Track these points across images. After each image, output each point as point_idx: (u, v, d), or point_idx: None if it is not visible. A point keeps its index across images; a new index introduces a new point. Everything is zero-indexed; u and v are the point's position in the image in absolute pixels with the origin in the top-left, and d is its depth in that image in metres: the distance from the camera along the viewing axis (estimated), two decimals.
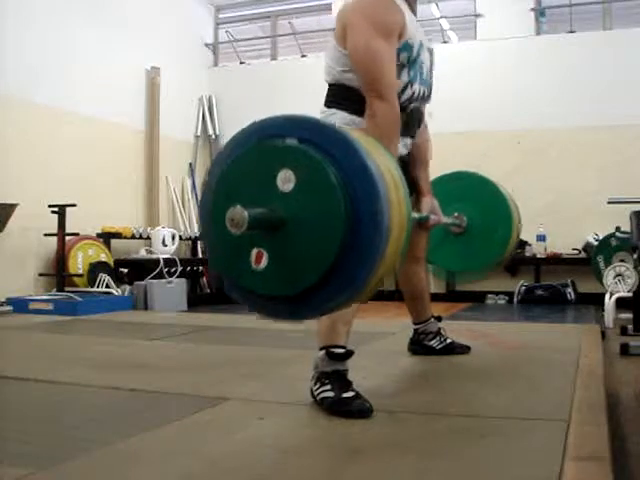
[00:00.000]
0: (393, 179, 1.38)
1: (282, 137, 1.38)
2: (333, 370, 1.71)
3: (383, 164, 1.38)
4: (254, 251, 1.38)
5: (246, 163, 1.43)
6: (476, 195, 2.62)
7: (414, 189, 2.28)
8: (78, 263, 4.95)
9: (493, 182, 2.68)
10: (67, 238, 4.77)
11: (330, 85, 2.10)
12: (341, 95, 2.06)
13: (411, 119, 2.11)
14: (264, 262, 1.37)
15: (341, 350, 1.75)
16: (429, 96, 2.18)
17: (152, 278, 4.99)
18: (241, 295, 1.46)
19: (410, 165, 2.23)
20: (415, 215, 2.11)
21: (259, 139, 1.42)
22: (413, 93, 2.05)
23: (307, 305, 1.37)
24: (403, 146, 2.11)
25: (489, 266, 2.65)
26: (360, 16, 1.94)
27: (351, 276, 1.33)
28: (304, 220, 1.34)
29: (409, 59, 2.02)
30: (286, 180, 1.35)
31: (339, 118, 2.02)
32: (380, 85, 1.93)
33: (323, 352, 1.75)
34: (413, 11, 2.14)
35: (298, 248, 1.35)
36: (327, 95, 2.13)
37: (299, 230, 1.35)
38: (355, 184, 1.31)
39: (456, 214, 2.57)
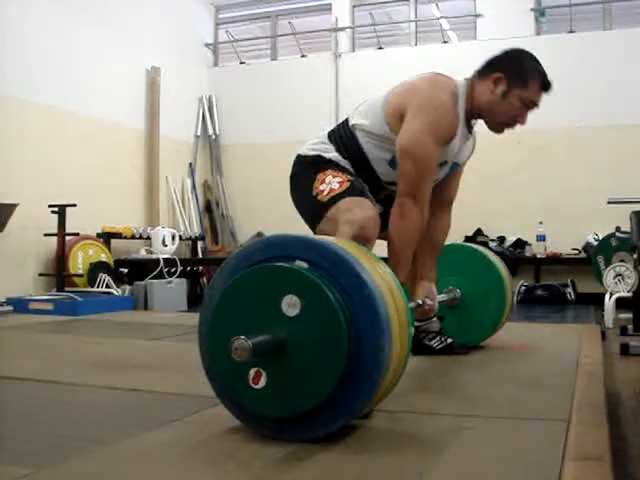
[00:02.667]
0: (394, 299, 1.40)
1: (291, 258, 1.39)
2: None
3: (382, 280, 1.40)
4: (252, 370, 1.40)
5: (251, 283, 1.44)
6: (470, 268, 2.67)
7: (413, 271, 2.32)
8: (78, 263, 4.95)
9: (487, 254, 2.74)
10: (67, 238, 4.76)
11: (346, 125, 2.14)
12: (347, 143, 2.12)
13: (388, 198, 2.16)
14: (262, 382, 1.40)
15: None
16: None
17: (152, 278, 4.99)
18: (237, 410, 1.48)
19: (418, 246, 2.24)
20: (410, 305, 2.15)
21: (266, 257, 1.43)
22: None
23: (302, 428, 1.40)
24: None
25: (478, 342, 2.69)
26: (424, 113, 1.96)
27: (347, 406, 1.36)
28: (305, 345, 1.37)
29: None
30: (291, 305, 1.37)
31: (331, 155, 2.10)
32: (420, 190, 1.99)
33: None
34: (469, 125, 2.17)
35: (297, 372, 1.38)
36: (338, 129, 2.17)
37: (299, 354, 1.37)
38: (361, 318, 1.34)
39: (450, 287, 2.64)
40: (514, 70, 2.09)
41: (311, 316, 1.36)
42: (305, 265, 1.38)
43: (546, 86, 2.12)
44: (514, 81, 2.08)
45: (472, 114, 2.15)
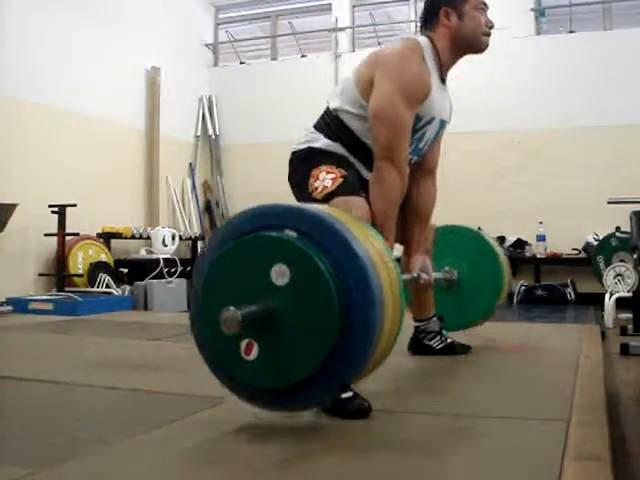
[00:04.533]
0: (389, 276, 1.39)
1: (281, 227, 1.38)
2: None
3: (377, 253, 1.39)
4: (244, 341, 1.39)
5: (240, 253, 1.42)
6: (467, 249, 2.67)
7: (406, 245, 2.32)
8: (78, 263, 4.95)
9: (484, 236, 2.74)
10: (67, 238, 4.76)
11: (328, 112, 2.13)
12: (333, 127, 2.11)
13: None
14: (254, 353, 1.39)
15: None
16: (416, 163, 2.23)
17: (152, 278, 4.99)
18: (230, 383, 1.48)
19: (407, 219, 2.25)
20: (406, 276, 2.14)
21: (255, 229, 1.42)
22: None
23: (294, 398, 1.40)
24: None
25: (474, 325, 2.70)
26: (391, 77, 1.96)
27: (339, 376, 1.36)
28: (296, 315, 1.35)
29: (413, 128, 2.05)
30: (280, 274, 1.35)
31: (322, 142, 2.09)
32: (396, 153, 1.97)
33: None
34: (443, 79, 2.15)
35: (288, 343, 1.37)
36: (321, 118, 2.16)
37: (290, 325, 1.36)
38: (352, 289, 1.32)
39: (447, 268, 2.63)
40: None
41: (301, 285, 1.34)
42: (294, 234, 1.36)
43: None
44: (455, 2, 2.12)
45: (446, 64, 2.16)
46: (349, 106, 2.07)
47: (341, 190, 1.98)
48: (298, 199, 2.20)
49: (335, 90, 2.18)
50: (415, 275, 2.27)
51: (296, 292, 1.34)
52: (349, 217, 1.48)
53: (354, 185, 2.03)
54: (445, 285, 2.64)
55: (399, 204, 2.06)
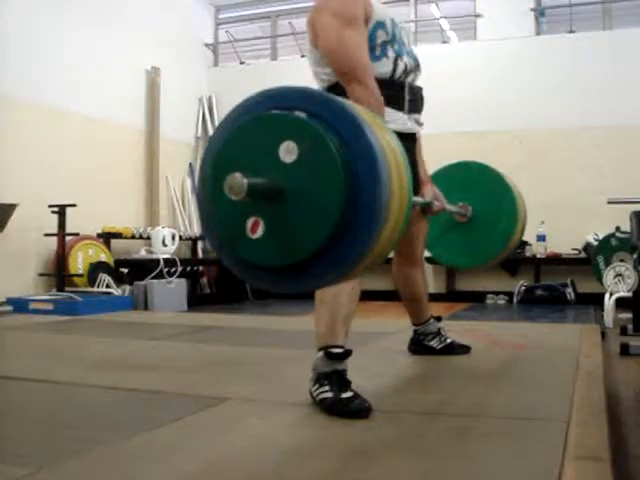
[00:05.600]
0: (397, 163, 1.37)
1: (291, 109, 1.37)
2: (332, 370, 1.71)
3: (388, 146, 1.37)
4: (250, 220, 1.37)
5: (250, 131, 1.42)
6: (482, 185, 2.59)
7: (415, 175, 2.28)
8: (78, 263, 4.95)
9: (500, 173, 2.64)
10: (67, 238, 4.76)
11: (327, 90, 2.11)
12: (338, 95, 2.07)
13: (414, 95, 2.14)
14: (260, 231, 1.37)
15: (340, 350, 1.75)
16: (418, 67, 2.19)
17: (152, 278, 4.99)
18: (235, 265, 1.45)
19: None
20: (419, 199, 2.11)
21: (267, 108, 1.41)
22: (405, 66, 2.09)
23: (298, 278, 1.37)
24: (414, 122, 2.14)
25: (492, 259, 2.63)
26: (324, 12, 1.96)
27: (344, 255, 1.33)
28: (302, 193, 1.34)
29: (387, 34, 2.05)
30: (289, 151, 1.34)
31: None
32: (356, 71, 1.94)
33: (322, 353, 1.75)
34: None
35: (294, 220, 1.35)
36: None
37: (296, 202, 1.34)
38: (358, 165, 1.31)
39: (461, 204, 2.55)
40: None
41: (308, 162, 1.33)
42: (304, 115, 1.35)
43: None
44: None
45: None
46: (318, 67, 2.05)
47: None
48: None
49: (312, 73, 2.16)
50: (428, 200, 2.22)
51: (303, 169, 1.33)
52: (364, 109, 1.47)
53: None
54: (459, 220, 2.57)
55: (381, 116, 1.99)
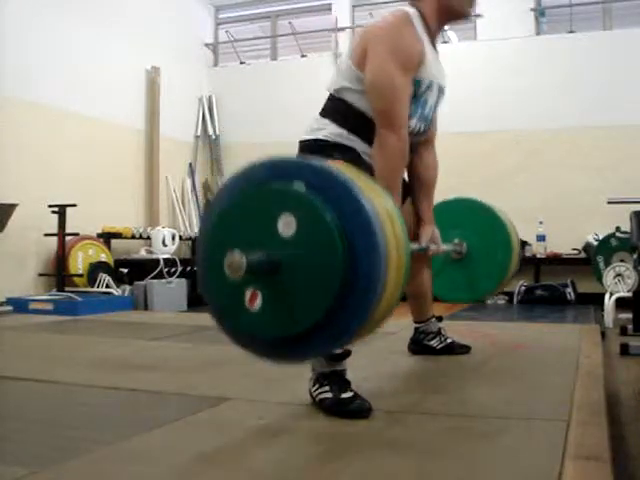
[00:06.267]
0: (395, 231, 1.39)
1: (290, 179, 1.38)
2: (331, 371, 1.71)
3: (385, 212, 1.39)
4: (249, 291, 1.39)
5: (249, 203, 1.43)
6: (476, 221, 2.65)
7: (415, 216, 2.31)
8: (78, 263, 4.95)
9: (492, 208, 2.71)
10: (67, 238, 4.76)
11: (331, 97, 2.12)
12: (339, 110, 2.09)
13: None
14: (258, 303, 1.38)
15: (339, 350, 1.75)
16: (425, 132, 2.21)
17: (152, 278, 4.99)
18: (235, 334, 1.48)
19: (414, 191, 2.25)
20: (414, 246, 2.13)
21: (266, 177, 1.42)
22: (412, 128, 2.08)
23: (298, 349, 1.39)
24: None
25: (492, 291, 2.67)
26: (383, 45, 1.96)
27: (343, 327, 1.35)
28: (301, 266, 1.35)
29: (415, 94, 2.05)
30: (287, 225, 1.36)
31: (330, 131, 2.07)
32: (393, 118, 1.96)
33: None
34: (434, 45, 2.16)
35: (293, 292, 1.37)
36: (326, 105, 2.15)
37: (295, 275, 1.36)
38: (357, 238, 1.32)
39: (456, 240, 2.61)
40: None
41: (306, 236, 1.34)
42: (303, 186, 1.36)
43: None
44: None
45: (435, 30, 2.17)
46: (348, 83, 2.06)
47: None
48: None
49: (333, 76, 2.16)
50: (423, 245, 2.24)
51: (302, 242, 1.35)
52: (356, 173, 1.47)
53: None
54: (455, 257, 2.60)
55: (402, 171, 2.05)
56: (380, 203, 1.40)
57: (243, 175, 1.47)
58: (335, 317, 1.33)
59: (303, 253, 1.35)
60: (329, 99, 2.14)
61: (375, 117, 1.98)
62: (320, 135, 2.08)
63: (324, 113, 2.13)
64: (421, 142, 2.28)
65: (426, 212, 2.32)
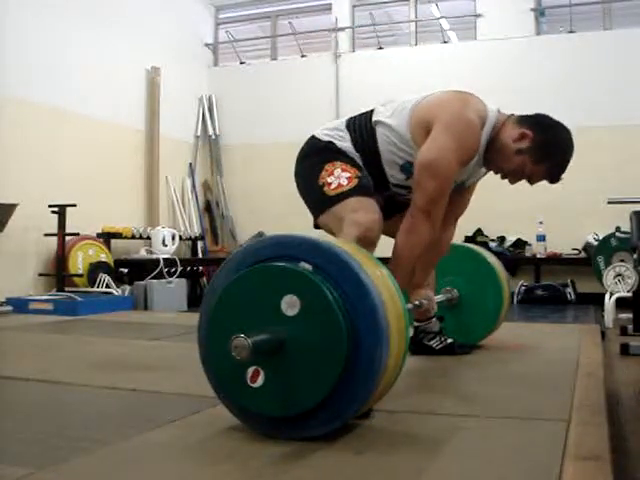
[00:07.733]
0: (396, 309, 1.42)
1: (297, 259, 1.40)
2: None
3: (388, 291, 1.42)
4: (251, 369, 1.41)
5: (253, 281, 1.44)
6: (463, 267, 2.69)
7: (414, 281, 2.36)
8: (78, 263, 4.95)
9: (479, 252, 2.76)
10: (67, 238, 4.76)
11: (368, 117, 2.12)
12: (363, 135, 2.10)
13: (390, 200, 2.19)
14: (260, 381, 1.40)
15: None
16: (400, 194, 2.23)
17: (152, 278, 4.99)
18: (236, 409, 1.49)
19: (417, 262, 2.23)
20: (409, 306, 2.17)
21: (272, 254, 1.44)
22: (395, 179, 2.14)
23: (298, 427, 1.40)
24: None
25: (486, 334, 2.72)
26: (452, 137, 1.94)
27: (343, 408, 1.37)
28: (304, 345, 1.37)
29: None
30: (291, 305, 1.37)
31: (344, 145, 2.09)
32: (435, 208, 1.98)
33: None
34: (484, 158, 2.11)
35: (295, 372, 1.38)
36: (358, 120, 2.14)
37: (297, 355, 1.38)
38: (360, 322, 1.35)
39: (447, 288, 2.67)
40: (542, 143, 2.01)
41: (311, 318, 1.36)
42: (309, 267, 1.38)
43: (552, 179, 2.12)
44: (533, 150, 2.01)
45: (490, 146, 2.07)
46: (394, 131, 2.05)
47: (355, 191, 1.98)
48: (300, 186, 2.18)
49: (389, 105, 2.14)
50: (417, 303, 2.32)
51: (305, 324, 1.37)
52: (363, 254, 1.49)
53: (368, 187, 2.03)
54: (447, 305, 2.66)
55: (421, 253, 2.07)
56: (382, 281, 1.43)
57: (249, 251, 1.49)
58: (333, 401, 1.36)
59: (306, 333, 1.37)
60: (366, 117, 2.13)
61: (417, 198, 1.98)
62: (334, 142, 2.10)
63: (350, 126, 2.13)
64: (447, 217, 2.22)
65: (425, 279, 2.39)
